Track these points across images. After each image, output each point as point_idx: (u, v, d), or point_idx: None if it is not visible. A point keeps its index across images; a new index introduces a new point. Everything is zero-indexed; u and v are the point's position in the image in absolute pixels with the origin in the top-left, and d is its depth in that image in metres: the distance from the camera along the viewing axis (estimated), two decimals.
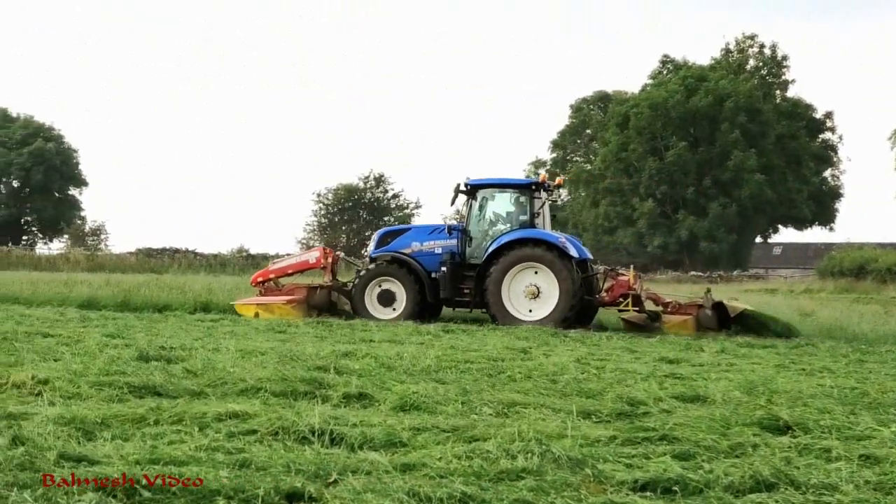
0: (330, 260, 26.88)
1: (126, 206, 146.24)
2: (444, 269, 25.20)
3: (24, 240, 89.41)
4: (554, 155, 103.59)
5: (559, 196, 25.68)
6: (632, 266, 27.90)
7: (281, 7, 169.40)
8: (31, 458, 6.63)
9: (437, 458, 7.32)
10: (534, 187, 25.91)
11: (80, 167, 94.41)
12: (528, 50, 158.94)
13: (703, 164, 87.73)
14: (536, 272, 24.53)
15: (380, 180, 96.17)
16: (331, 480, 6.65)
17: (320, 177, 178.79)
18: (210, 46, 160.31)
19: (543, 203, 26.01)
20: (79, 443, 7.52)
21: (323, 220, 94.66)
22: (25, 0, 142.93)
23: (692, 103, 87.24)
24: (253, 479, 6.48)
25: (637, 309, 24.30)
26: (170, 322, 20.61)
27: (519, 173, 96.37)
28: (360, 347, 15.45)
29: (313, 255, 27.38)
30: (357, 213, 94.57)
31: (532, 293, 24.44)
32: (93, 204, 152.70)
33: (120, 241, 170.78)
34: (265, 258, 56.56)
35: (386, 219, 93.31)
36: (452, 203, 25.92)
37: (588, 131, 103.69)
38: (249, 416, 8.65)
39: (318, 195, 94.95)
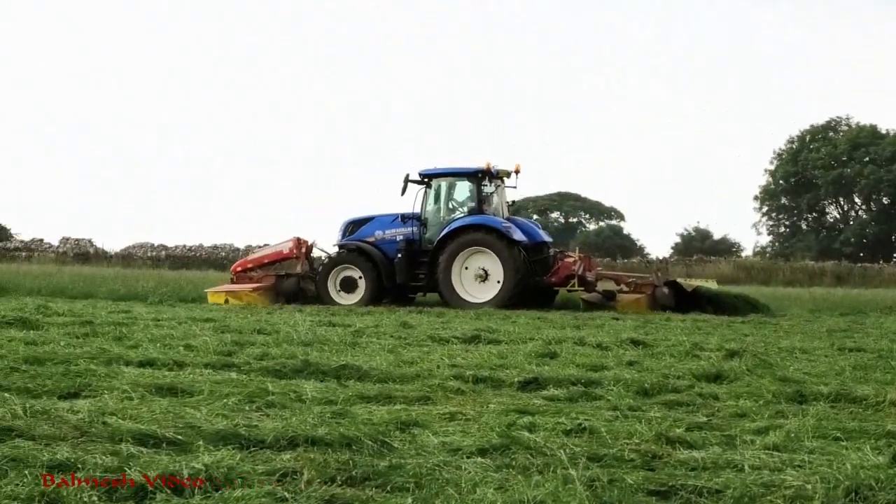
0: (304, 250, 27.97)
1: None
2: (399, 255, 26.49)
3: (894, 257, 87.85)
4: None
5: (514, 183, 28.27)
6: (577, 248, 28.83)
7: None
8: None
9: None
10: (480, 175, 26.90)
11: None
12: None
13: None
14: (484, 256, 25.78)
15: None
16: None
17: None
18: None
19: (496, 189, 27.47)
20: None
21: None
22: None
23: None
24: None
25: (583, 288, 25.73)
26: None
27: None
28: None
29: (287, 246, 28.41)
30: None
31: (480, 276, 25.76)
32: None
33: None
34: None
35: None
36: (403, 193, 26.77)
37: None
38: None
39: None
